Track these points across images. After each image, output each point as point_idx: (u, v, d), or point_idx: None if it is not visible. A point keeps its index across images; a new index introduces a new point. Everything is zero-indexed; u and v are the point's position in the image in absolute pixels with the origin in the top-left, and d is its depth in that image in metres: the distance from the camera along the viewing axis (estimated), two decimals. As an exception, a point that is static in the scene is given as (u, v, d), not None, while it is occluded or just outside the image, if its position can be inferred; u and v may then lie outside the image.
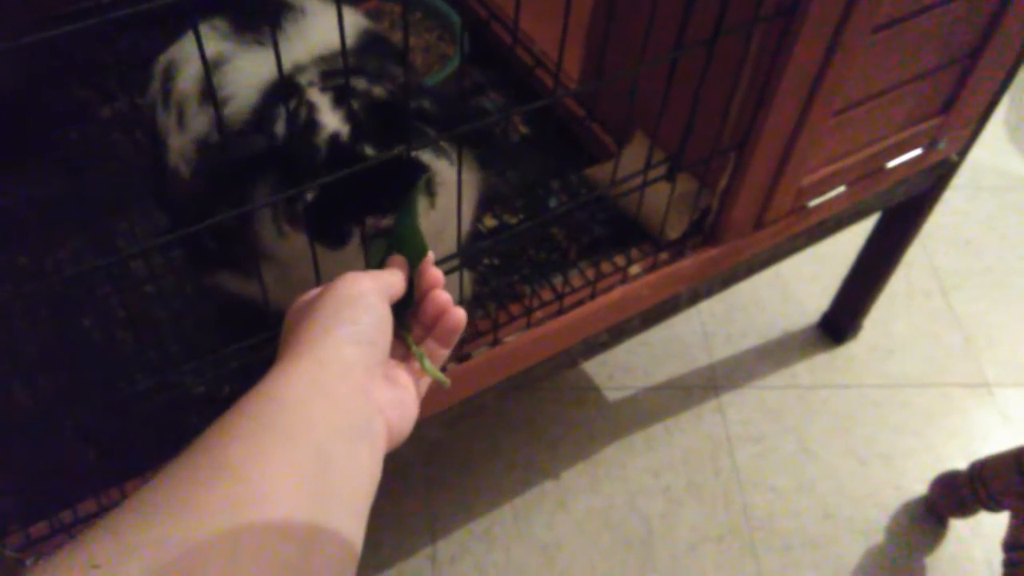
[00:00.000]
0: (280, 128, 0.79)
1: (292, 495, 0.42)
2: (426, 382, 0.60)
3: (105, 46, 1.26)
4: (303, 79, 0.82)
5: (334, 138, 0.77)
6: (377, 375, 0.53)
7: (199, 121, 0.88)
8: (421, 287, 0.61)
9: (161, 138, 0.94)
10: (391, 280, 0.58)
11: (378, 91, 0.81)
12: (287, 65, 0.83)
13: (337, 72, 0.84)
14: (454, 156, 0.82)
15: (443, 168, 0.82)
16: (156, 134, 0.95)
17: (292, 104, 0.79)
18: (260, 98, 0.84)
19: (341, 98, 0.78)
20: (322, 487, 0.44)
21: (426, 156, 0.81)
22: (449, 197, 0.81)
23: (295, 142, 0.77)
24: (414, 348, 0.60)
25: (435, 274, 0.62)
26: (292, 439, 0.45)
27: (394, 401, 0.54)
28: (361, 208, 0.74)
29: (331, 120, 0.77)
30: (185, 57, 0.93)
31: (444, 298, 0.61)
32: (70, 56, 1.26)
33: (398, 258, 0.61)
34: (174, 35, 0.96)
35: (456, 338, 0.61)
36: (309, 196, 0.75)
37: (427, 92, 0.89)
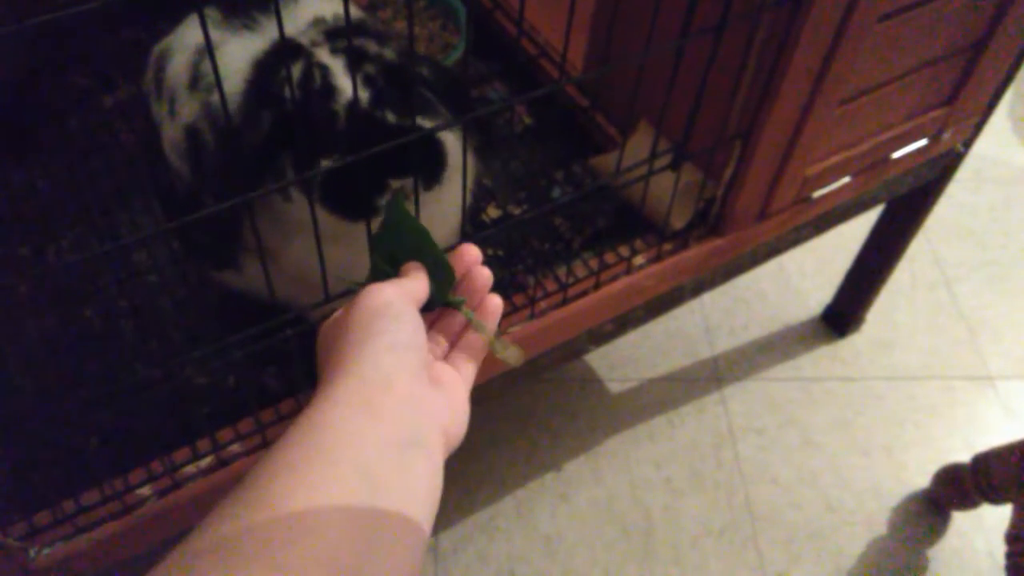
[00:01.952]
0: (288, 93, 0.77)
1: (338, 524, 0.42)
2: (472, 374, 0.59)
3: (107, 35, 1.26)
4: (304, 41, 0.81)
5: (352, 104, 0.75)
6: (422, 380, 0.52)
7: (188, 108, 0.88)
8: (459, 270, 0.60)
9: (155, 128, 0.93)
10: (413, 286, 0.57)
11: (389, 54, 0.80)
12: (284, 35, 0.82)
13: (340, 31, 0.82)
14: (457, 130, 0.81)
15: (449, 140, 0.81)
16: (150, 124, 0.95)
17: (299, 66, 0.78)
18: (253, 72, 0.82)
19: (355, 61, 0.76)
20: (372, 505, 0.43)
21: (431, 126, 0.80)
22: (453, 171, 0.80)
23: (311, 108, 0.75)
24: (476, 323, 0.58)
25: (472, 252, 0.60)
26: (337, 464, 0.44)
27: (444, 403, 0.53)
28: (382, 174, 0.72)
29: (348, 85, 0.75)
30: (177, 46, 0.92)
31: (487, 274, 0.60)
32: (71, 45, 1.26)
33: (415, 264, 0.59)
34: (172, 24, 0.96)
35: (498, 319, 0.60)
36: (325, 165, 0.74)
37: (424, 60, 0.88)
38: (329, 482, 0.43)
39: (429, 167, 0.78)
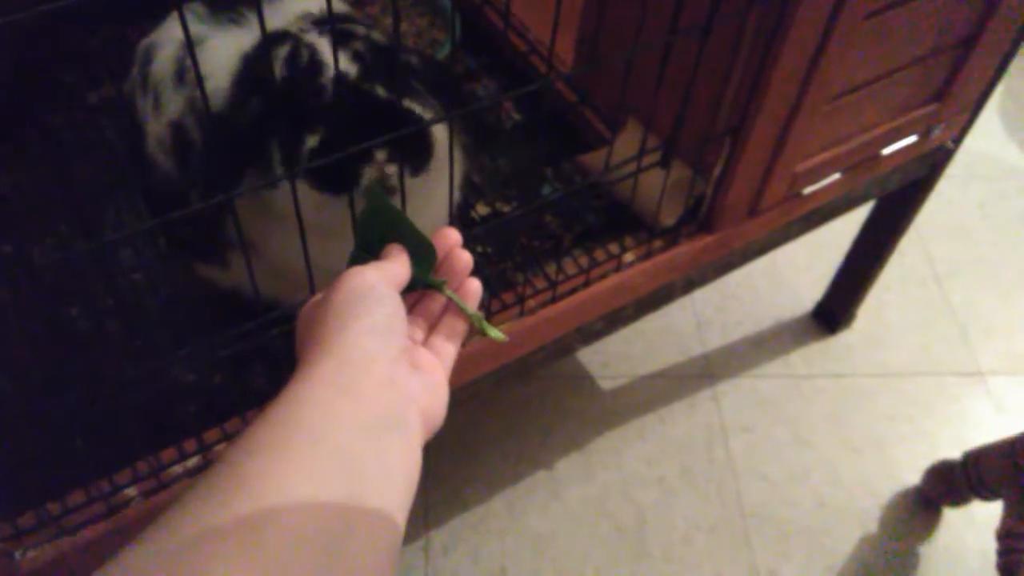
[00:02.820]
0: (278, 71, 0.77)
1: (314, 504, 0.41)
2: (452, 355, 0.59)
3: (92, 31, 1.25)
4: (293, 28, 0.81)
5: (341, 77, 0.75)
6: (402, 363, 0.52)
7: (174, 104, 0.87)
8: (439, 252, 0.60)
9: (140, 124, 0.93)
10: (395, 268, 0.57)
11: (377, 35, 0.80)
12: (272, 28, 0.82)
13: (323, 20, 0.83)
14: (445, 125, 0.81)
15: (437, 131, 0.80)
16: (135, 121, 0.94)
17: (286, 48, 0.77)
18: (241, 63, 0.82)
19: (342, 40, 0.76)
20: (349, 489, 0.43)
21: (427, 115, 0.79)
22: (440, 165, 0.80)
23: (297, 84, 0.75)
24: (459, 302, 0.58)
25: (453, 235, 0.60)
26: (315, 444, 0.44)
27: (423, 387, 0.53)
28: (366, 154, 0.72)
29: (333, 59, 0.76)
30: (162, 41, 0.92)
31: (467, 256, 0.60)
32: (56, 41, 1.25)
33: (396, 246, 0.59)
34: (158, 20, 0.95)
35: (478, 300, 0.60)
36: (311, 143, 0.74)
37: (412, 51, 0.88)
38: (306, 463, 0.43)
39: (415, 149, 0.78)
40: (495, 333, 0.61)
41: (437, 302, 0.60)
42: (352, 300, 0.52)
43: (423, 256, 0.59)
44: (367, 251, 0.60)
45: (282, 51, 0.78)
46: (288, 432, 0.44)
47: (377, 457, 0.46)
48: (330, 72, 0.75)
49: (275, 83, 0.77)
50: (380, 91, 0.74)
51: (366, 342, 0.50)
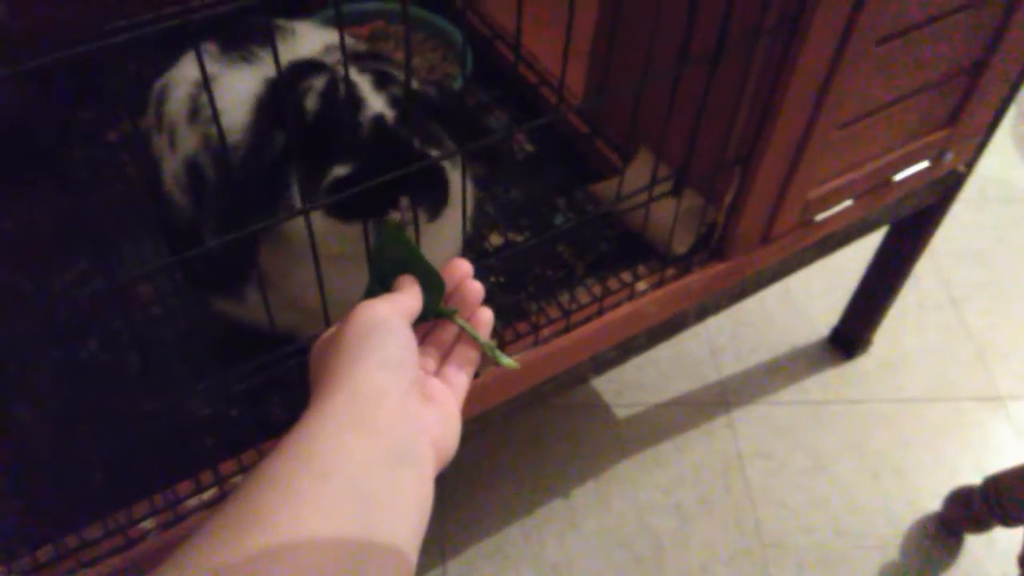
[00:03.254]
0: (311, 104, 0.79)
1: (326, 540, 0.41)
2: (465, 385, 0.59)
3: (111, 69, 1.27)
4: (328, 60, 0.83)
5: (379, 119, 0.77)
6: (413, 395, 0.52)
7: (188, 142, 0.89)
8: (450, 283, 0.61)
9: (157, 163, 0.94)
10: (406, 300, 0.57)
11: (416, 83, 0.81)
12: (298, 59, 0.84)
13: (362, 55, 0.85)
14: (457, 160, 0.82)
15: (449, 170, 0.82)
16: (153, 159, 0.95)
17: (323, 80, 0.79)
18: (264, 87, 0.84)
19: (381, 82, 0.78)
20: (361, 523, 0.43)
21: (446, 164, 0.81)
22: (452, 199, 0.81)
23: (333, 116, 0.77)
24: (470, 330, 0.59)
25: (464, 266, 0.61)
26: (327, 477, 0.44)
27: (436, 418, 0.53)
28: (395, 190, 0.73)
29: (375, 101, 0.78)
30: (176, 81, 0.93)
31: (478, 287, 0.60)
32: (76, 79, 1.27)
33: (408, 277, 0.60)
34: (174, 59, 0.97)
35: (490, 330, 0.61)
36: (337, 173, 0.75)
37: (431, 82, 0.89)
38: (318, 498, 0.43)
39: (434, 197, 0.79)
40: (507, 361, 0.62)
41: (449, 332, 0.61)
42: (363, 334, 0.52)
43: (433, 287, 0.60)
44: (381, 284, 0.61)
45: (318, 82, 0.80)
46: (300, 467, 0.45)
47: (389, 490, 0.46)
48: (370, 111, 0.77)
49: (304, 112, 0.78)
50: (416, 141, 0.77)
51: (378, 376, 0.50)
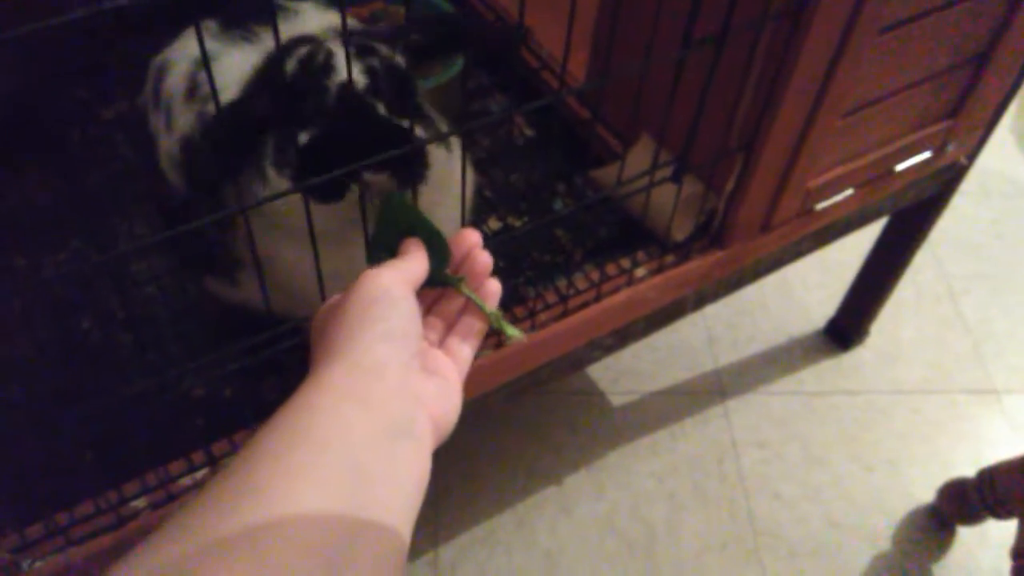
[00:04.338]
0: (288, 69, 0.77)
1: (320, 514, 0.41)
2: (469, 357, 0.58)
3: (107, 47, 1.25)
4: (318, 34, 0.82)
5: (346, 85, 0.75)
6: (414, 368, 0.51)
7: (184, 119, 0.88)
8: (458, 253, 0.60)
9: (153, 140, 0.93)
10: (411, 266, 0.56)
11: (399, 60, 0.80)
12: (295, 35, 0.83)
13: (356, 31, 0.83)
14: (451, 141, 0.81)
15: (435, 151, 0.81)
16: (148, 136, 0.95)
17: (305, 49, 0.78)
18: (264, 60, 0.83)
19: (361, 52, 0.77)
20: (356, 498, 0.43)
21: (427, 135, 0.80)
22: (439, 177, 0.80)
23: (304, 80, 0.75)
24: (476, 299, 0.58)
25: (473, 235, 0.60)
26: (324, 451, 0.44)
27: (436, 392, 0.53)
28: (358, 159, 0.71)
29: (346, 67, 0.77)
30: (175, 59, 0.92)
31: (487, 257, 0.59)
32: (72, 57, 1.26)
33: (414, 241, 0.59)
34: (172, 37, 0.96)
35: (497, 301, 0.60)
36: (302, 140, 0.74)
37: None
38: (315, 470, 0.43)
39: (407, 167, 0.77)
40: (513, 331, 0.61)
41: (455, 303, 0.60)
42: (367, 304, 0.51)
43: (439, 251, 0.59)
44: (386, 250, 0.60)
45: (301, 51, 0.79)
46: (296, 439, 0.44)
47: (386, 465, 0.46)
48: (338, 77, 0.75)
49: (284, 78, 0.77)
50: (381, 108, 0.74)
51: (379, 348, 0.50)
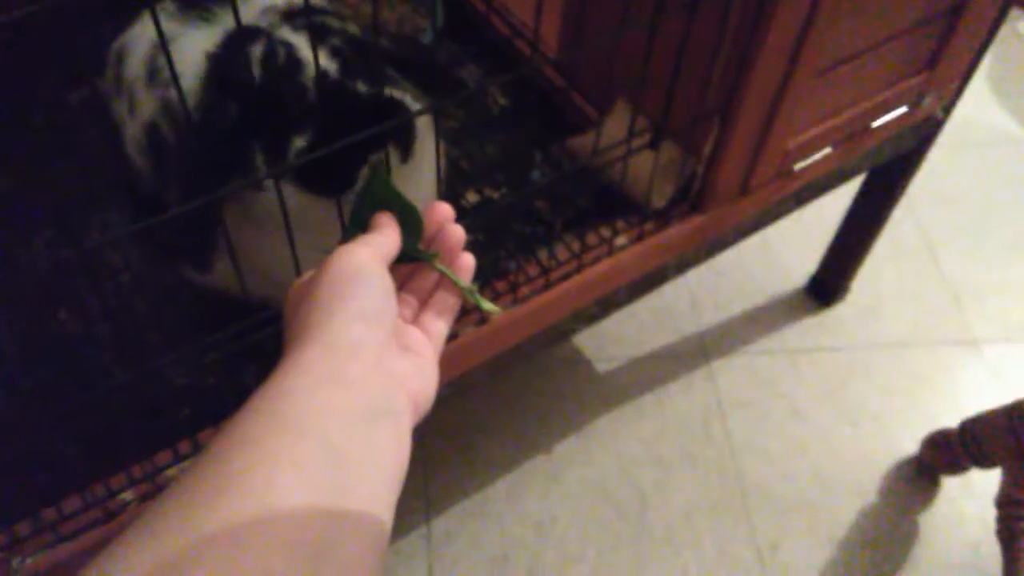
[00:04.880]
0: (256, 72, 0.75)
1: (303, 501, 0.40)
2: (443, 332, 0.58)
3: (72, 31, 1.22)
4: (262, 24, 0.79)
5: (322, 76, 0.73)
6: (390, 346, 0.51)
7: (147, 105, 0.86)
8: (431, 227, 0.59)
9: (117, 127, 0.91)
10: (384, 241, 0.55)
11: (352, 29, 0.78)
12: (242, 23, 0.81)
13: (296, 11, 0.80)
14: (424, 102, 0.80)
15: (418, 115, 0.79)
16: (113, 123, 0.92)
17: (260, 47, 0.76)
18: (209, 62, 0.80)
19: (318, 35, 0.75)
20: (338, 484, 0.42)
21: (407, 99, 0.78)
22: (421, 145, 0.79)
23: (277, 85, 0.74)
24: (450, 274, 0.58)
25: (445, 209, 0.59)
26: (302, 434, 0.43)
27: (413, 369, 0.52)
28: (360, 149, 0.70)
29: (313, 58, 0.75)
30: (134, 42, 0.90)
31: (460, 231, 0.59)
32: (36, 42, 1.23)
33: (385, 215, 0.58)
34: (130, 20, 0.94)
35: (471, 275, 0.60)
36: (298, 145, 0.72)
37: (385, 33, 0.86)
38: (292, 455, 0.42)
39: (401, 138, 0.76)
40: (488, 306, 0.61)
41: (428, 279, 0.59)
42: (341, 282, 0.51)
43: (412, 224, 0.58)
44: (360, 227, 0.59)
45: (256, 50, 0.76)
46: (274, 422, 0.43)
47: (366, 445, 0.45)
48: (310, 71, 0.73)
49: (253, 85, 0.75)
50: (361, 87, 0.73)
51: (354, 327, 0.49)
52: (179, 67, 0.81)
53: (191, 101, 0.79)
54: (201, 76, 0.80)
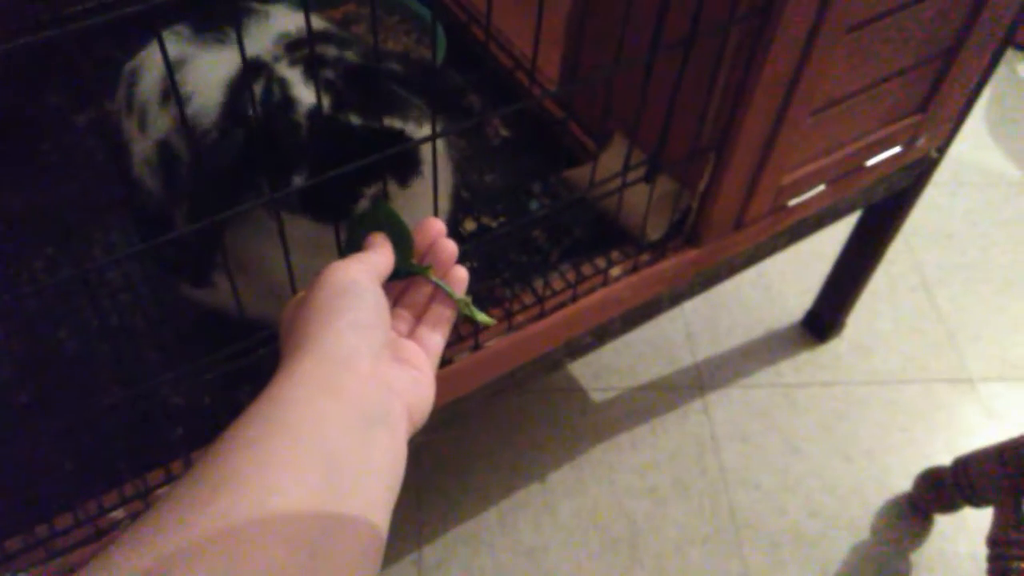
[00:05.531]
0: (254, 111, 0.76)
1: (298, 503, 0.41)
2: (439, 345, 0.58)
3: (80, 53, 1.25)
4: (267, 57, 0.81)
5: (314, 111, 0.74)
6: (385, 358, 0.52)
7: (159, 124, 0.87)
8: (423, 242, 0.60)
9: (126, 146, 0.93)
10: (377, 259, 0.57)
11: (350, 55, 0.79)
12: (250, 55, 0.82)
13: (301, 41, 0.81)
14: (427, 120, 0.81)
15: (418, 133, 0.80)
16: (122, 142, 0.94)
17: (260, 84, 0.77)
18: (226, 93, 0.82)
19: (312, 69, 0.76)
20: (333, 487, 0.43)
21: (410, 127, 0.79)
22: (428, 169, 0.80)
23: (273, 123, 0.75)
24: (444, 286, 0.59)
25: (437, 224, 0.60)
26: (299, 441, 0.44)
27: (408, 381, 0.53)
28: (358, 178, 0.71)
29: (307, 94, 0.75)
30: (148, 63, 0.92)
31: (452, 245, 0.60)
32: (44, 63, 1.25)
33: (378, 235, 0.59)
34: (144, 43, 0.96)
35: (464, 288, 0.61)
36: (298, 182, 0.74)
37: (393, 55, 0.87)
38: (288, 460, 0.43)
39: (400, 168, 0.78)
40: (483, 317, 0.62)
41: (423, 293, 0.61)
42: (333, 296, 0.52)
43: (403, 242, 0.59)
44: (355, 247, 0.60)
45: (257, 86, 0.78)
46: (270, 430, 0.44)
47: (361, 453, 0.46)
48: (302, 108, 0.75)
49: (254, 120, 0.77)
50: (354, 119, 0.74)
51: (348, 338, 0.50)
52: (194, 87, 0.84)
53: (207, 120, 0.80)
54: (217, 100, 0.81)
